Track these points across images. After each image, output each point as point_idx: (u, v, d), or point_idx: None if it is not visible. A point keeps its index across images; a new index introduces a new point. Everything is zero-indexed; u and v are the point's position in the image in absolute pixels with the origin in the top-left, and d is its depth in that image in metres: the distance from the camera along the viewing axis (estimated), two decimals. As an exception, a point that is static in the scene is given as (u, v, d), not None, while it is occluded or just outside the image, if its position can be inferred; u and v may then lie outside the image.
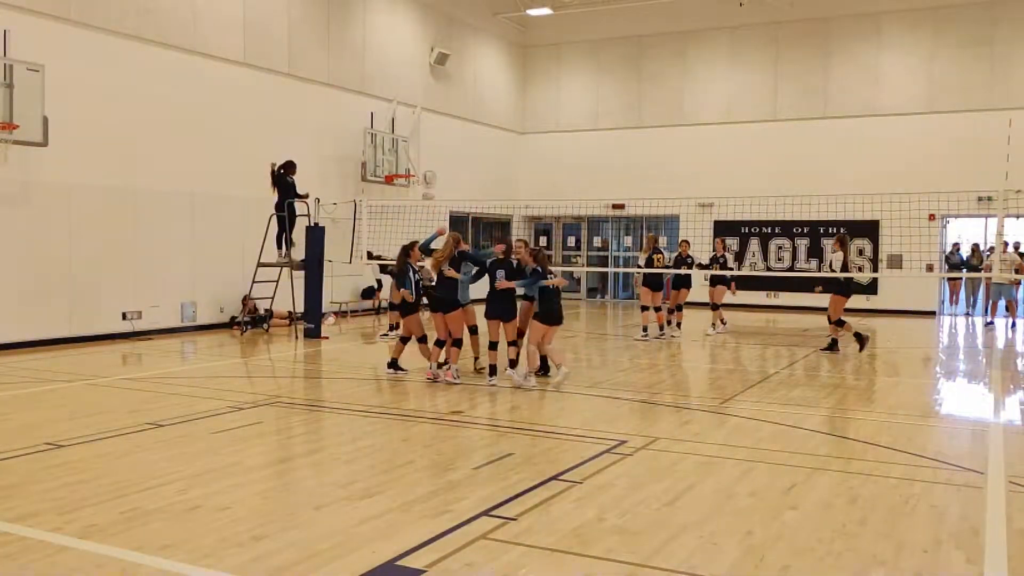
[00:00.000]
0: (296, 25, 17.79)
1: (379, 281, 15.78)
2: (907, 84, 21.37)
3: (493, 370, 10.24)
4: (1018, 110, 19.73)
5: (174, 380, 10.50)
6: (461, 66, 23.07)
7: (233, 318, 15.73)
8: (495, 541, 4.88)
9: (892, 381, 11.47)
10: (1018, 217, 17.70)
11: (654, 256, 14.88)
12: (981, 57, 20.60)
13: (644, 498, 5.73)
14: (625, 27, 24.12)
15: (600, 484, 6.06)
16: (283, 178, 15.37)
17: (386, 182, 19.81)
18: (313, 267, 15.09)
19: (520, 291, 10.33)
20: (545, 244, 25.20)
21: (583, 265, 25.05)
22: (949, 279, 21.81)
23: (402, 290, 10.95)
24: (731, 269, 16.16)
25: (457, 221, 22.55)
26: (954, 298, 22.63)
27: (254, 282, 15.51)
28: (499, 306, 10.24)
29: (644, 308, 15.25)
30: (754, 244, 22.64)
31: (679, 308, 15.81)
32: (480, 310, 10.64)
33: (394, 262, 15.49)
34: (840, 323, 13.49)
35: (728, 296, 16.33)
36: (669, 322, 15.61)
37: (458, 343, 10.49)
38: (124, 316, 14.42)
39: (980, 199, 18.83)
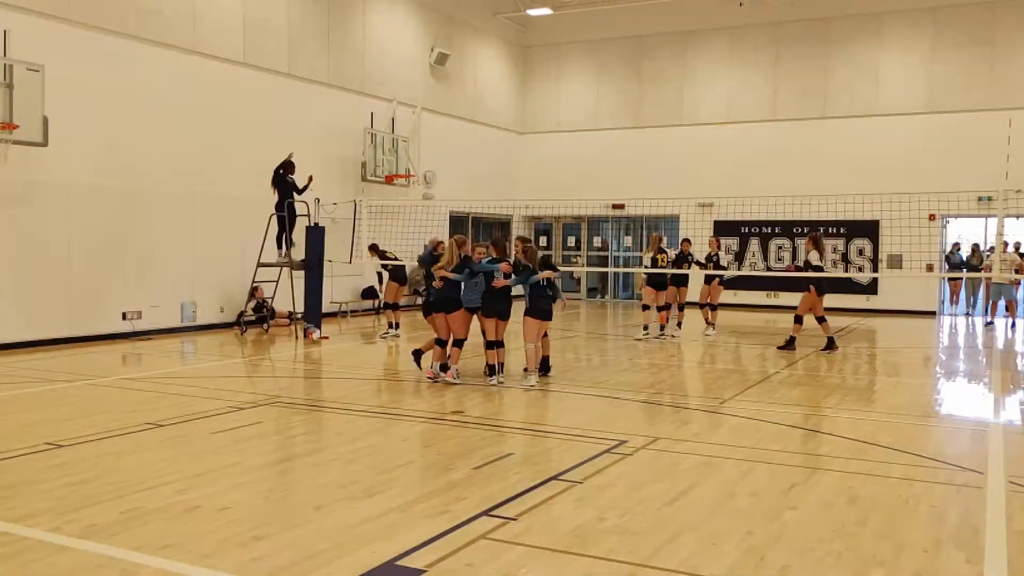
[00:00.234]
0: (296, 25, 17.79)
1: (380, 275, 15.75)
2: (907, 84, 21.37)
3: (492, 369, 10.24)
4: (1018, 110, 19.74)
5: (174, 380, 10.50)
6: (461, 66, 23.08)
7: (242, 314, 15.71)
8: (495, 541, 4.88)
9: (892, 381, 11.47)
10: (1018, 217, 17.74)
11: (658, 256, 14.90)
12: (981, 57, 20.60)
13: (644, 498, 5.73)
14: (625, 27, 24.11)
15: (600, 484, 6.06)
16: (283, 178, 15.37)
17: (386, 182, 19.81)
18: (313, 267, 15.09)
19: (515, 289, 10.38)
20: (545, 244, 25.24)
21: (583, 265, 25.05)
22: (949, 279, 21.83)
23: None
24: (724, 268, 16.22)
25: (457, 221, 22.58)
26: (954, 298, 22.64)
27: (254, 282, 15.54)
28: (497, 304, 10.24)
29: (645, 307, 15.27)
30: (754, 244, 22.63)
31: (680, 308, 15.82)
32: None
33: (397, 260, 15.59)
34: (799, 320, 13.72)
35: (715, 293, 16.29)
36: (669, 321, 15.61)
37: (459, 343, 10.48)
38: (124, 316, 14.43)
39: (980, 199, 18.83)
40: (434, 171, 21.10)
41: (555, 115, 25.53)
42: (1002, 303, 18.65)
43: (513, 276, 10.17)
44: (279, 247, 15.50)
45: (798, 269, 14.09)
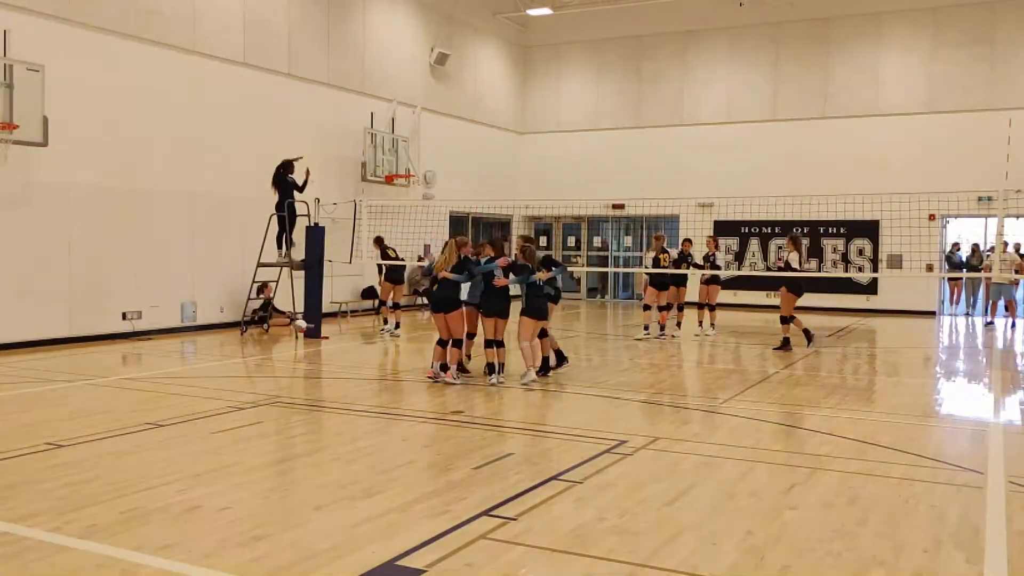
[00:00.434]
0: (296, 25, 17.79)
1: (380, 266, 15.71)
2: (907, 84, 21.36)
3: (491, 368, 10.25)
4: (1018, 110, 19.73)
5: (174, 380, 10.50)
6: (461, 66, 23.07)
7: (255, 311, 15.68)
8: (495, 541, 4.88)
9: (892, 381, 11.47)
10: (1018, 217, 17.73)
11: (660, 256, 14.91)
12: (981, 57, 20.60)
13: (644, 498, 5.73)
14: (625, 27, 24.11)
15: (600, 484, 6.06)
16: (284, 178, 15.37)
17: (386, 182, 19.81)
18: (313, 267, 15.09)
19: (514, 289, 10.41)
20: (545, 244, 25.22)
21: (583, 265, 25.05)
22: (949, 279, 21.83)
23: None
24: (720, 268, 16.26)
25: (457, 221, 22.57)
26: (954, 298, 22.63)
27: (254, 282, 15.53)
28: (497, 304, 10.25)
29: (646, 307, 15.27)
30: (754, 244, 22.63)
31: (679, 308, 15.82)
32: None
33: (399, 260, 15.59)
34: (788, 320, 13.77)
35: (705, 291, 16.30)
36: (668, 321, 15.62)
37: (458, 343, 10.49)
38: (124, 316, 14.42)
39: (980, 199, 18.84)
40: (434, 171, 21.10)
41: (555, 115, 25.53)
42: (1002, 303, 18.65)
43: (512, 276, 10.22)
44: (279, 247, 15.50)
45: (780, 270, 14.18)
